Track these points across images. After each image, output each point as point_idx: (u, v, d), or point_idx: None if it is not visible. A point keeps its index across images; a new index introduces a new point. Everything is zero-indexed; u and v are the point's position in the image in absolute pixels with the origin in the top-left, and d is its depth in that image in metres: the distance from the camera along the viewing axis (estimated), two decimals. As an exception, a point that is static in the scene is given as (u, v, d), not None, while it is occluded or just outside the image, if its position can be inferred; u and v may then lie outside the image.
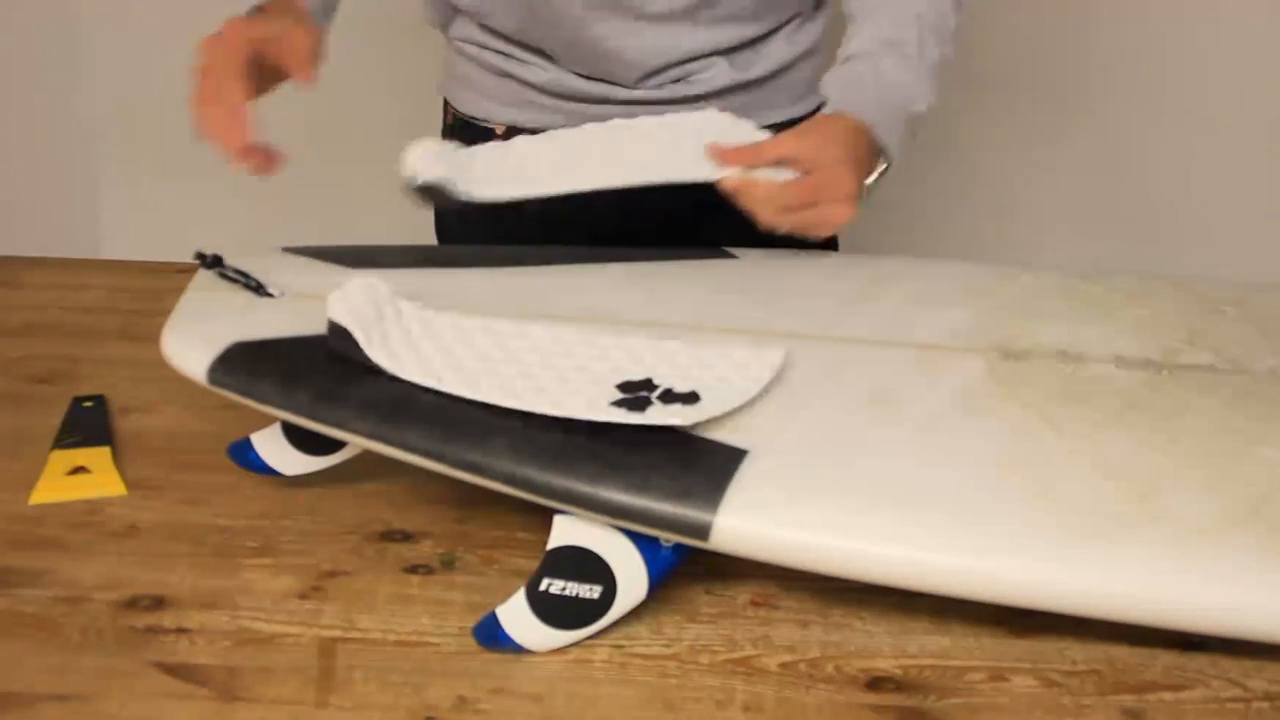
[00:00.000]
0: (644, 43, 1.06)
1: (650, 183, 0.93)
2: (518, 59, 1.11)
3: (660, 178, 0.93)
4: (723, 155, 0.94)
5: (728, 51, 1.10)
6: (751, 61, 1.11)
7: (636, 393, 0.79)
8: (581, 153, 0.97)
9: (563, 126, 1.13)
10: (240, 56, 0.89)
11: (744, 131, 0.97)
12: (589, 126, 0.99)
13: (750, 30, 1.09)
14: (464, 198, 0.91)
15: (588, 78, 1.10)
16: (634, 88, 1.09)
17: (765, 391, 0.80)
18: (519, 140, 0.98)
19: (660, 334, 0.86)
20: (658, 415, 0.76)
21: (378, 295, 0.85)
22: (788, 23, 1.12)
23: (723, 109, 1.09)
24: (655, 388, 0.79)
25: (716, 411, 0.77)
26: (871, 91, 0.98)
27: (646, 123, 1.00)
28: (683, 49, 1.08)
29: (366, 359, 0.80)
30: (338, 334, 0.81)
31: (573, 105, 1.11)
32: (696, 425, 0.77)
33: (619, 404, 0.77)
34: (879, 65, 0.99)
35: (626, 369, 0.81)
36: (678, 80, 1.10)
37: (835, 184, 0.93)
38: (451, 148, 0.94)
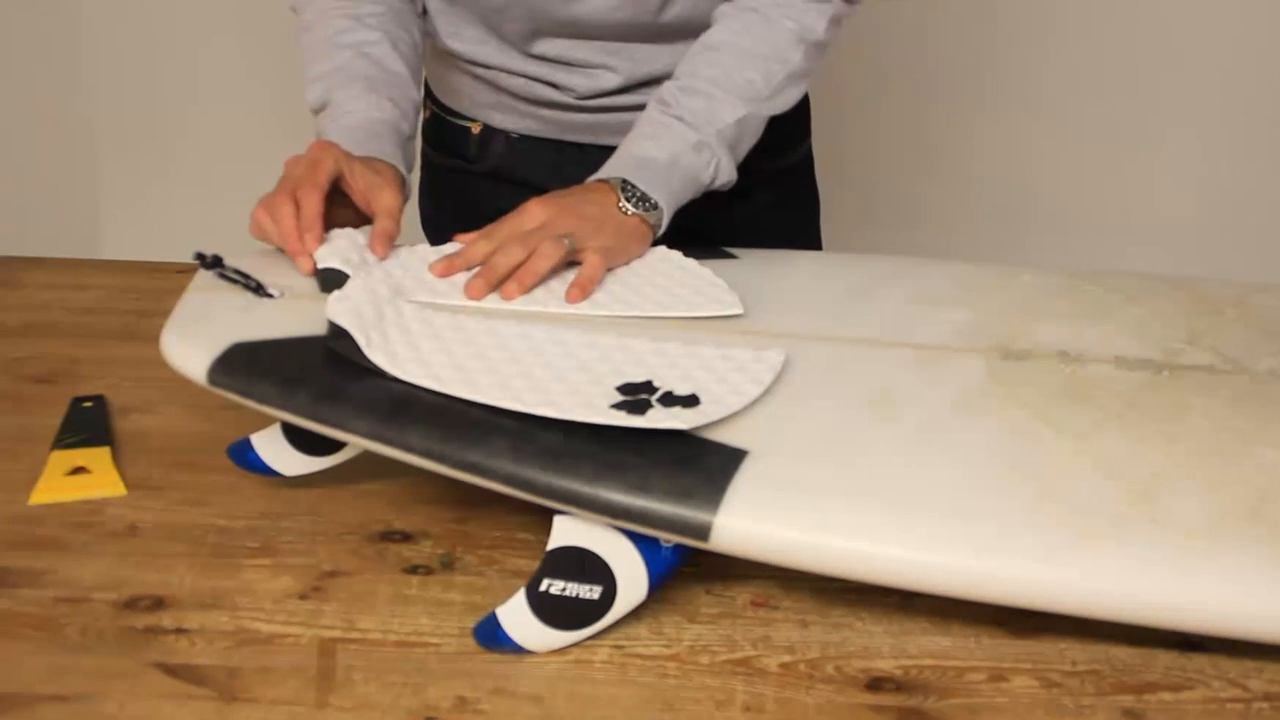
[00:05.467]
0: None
1: (585, 315, 0.89)
2: (491, 66, 1.11)
3: (602, 311, 0.89)
4: (440, 271, 0.91)
5: None
6: None
7: (636, 395, 0.79)
8: None
9: (538, 133, 1.13)
10: (325, 174, 0.92)
11: (690, 268, 0.95)
12: None
13: None
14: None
15: (552, 85, 1.10)
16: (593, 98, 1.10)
17: (766, 394, 0.80)
18: (449, 247, 0.95)
19: (661, 335, 0.86)
20: (657, 419, 0.76)
21: (378, 295, 0.84)
22: None
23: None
24: (655, 390, 0.79)
25: (716, 415, 0.77)
26: (622, 147, 1.01)
27: None
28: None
29: (366, 360, 0.80)
30: (337, 334, 0.81)
31: (548, 113, 1.11)
32: (696, 428, 0.77)
33: (618, 406, 0.77)
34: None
35: (627, 371, 0.81)
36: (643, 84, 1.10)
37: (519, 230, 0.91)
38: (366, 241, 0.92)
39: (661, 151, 0.99)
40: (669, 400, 0.78)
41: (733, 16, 1.04)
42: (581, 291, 0.89)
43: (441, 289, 0.89)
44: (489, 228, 0.93)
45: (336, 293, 0.84)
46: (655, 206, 0.96)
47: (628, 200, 0.95)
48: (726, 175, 1.02)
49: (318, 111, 1.04)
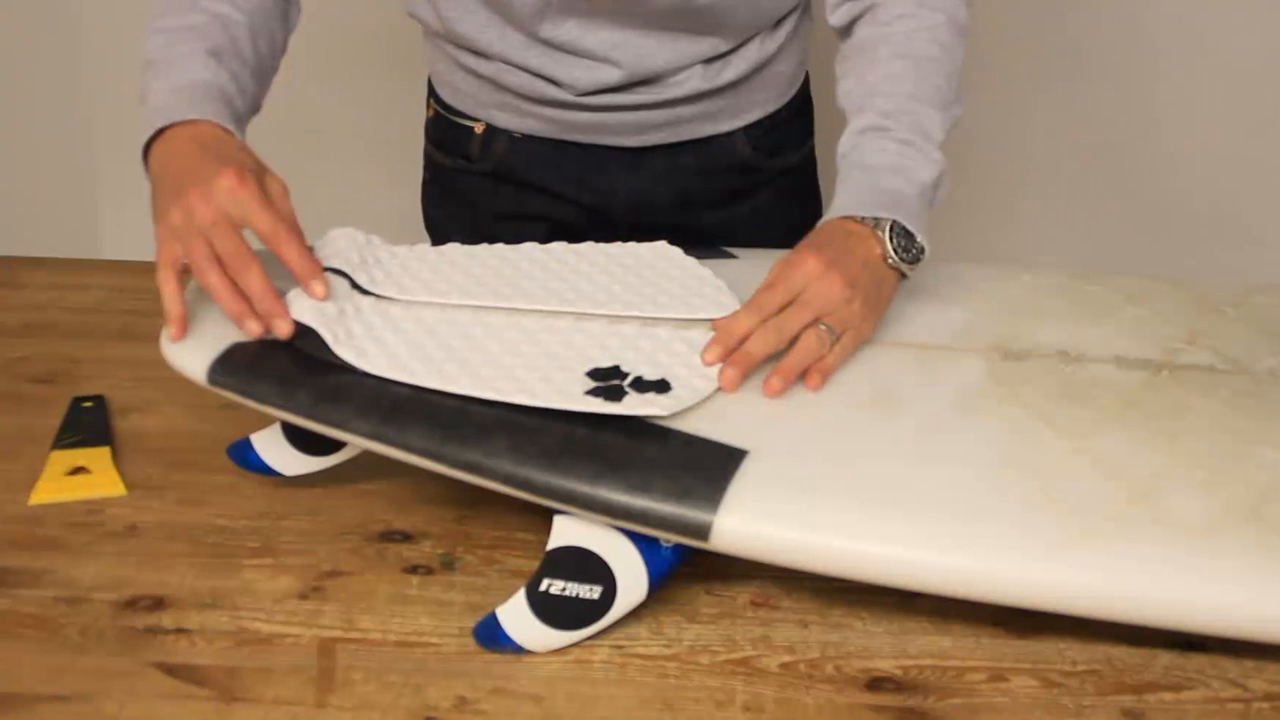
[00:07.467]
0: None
1: (589, 314, 0.87)
2: (493, 56, 1.10)
3: (605, 310, 0.87)
4: (712, 359, 0.83)
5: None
6: (722, 69, 1.10)
7: (609, 380, 0.79)
8: (516, 273, 0.91)
9: (540, 131, 1.13)
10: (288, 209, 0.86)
11: (690, 268, 0.94)
12: (527, 247, 0.95)
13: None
14: (366, 289, 0.87)
15: (553, 82, 1.09)
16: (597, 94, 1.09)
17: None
18: (450, 247, 0.94)
19: (616, 318, 0.86)
20: (635, 405, 0.76)
21: (335, 290, 0.84)
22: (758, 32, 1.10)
23: (697, 114, 1.09)
24: (625, 375, 0.79)
25: (690, 400, 0.78)
26: (860, 179, 0.91)
27: (592, 251, 0.95)
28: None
29: (333, 356, 0.80)
30: (301, 331, 0.81)
31: (551, 111, 1.11)
32: (674, 415, 0.77)
33: (593, 393, 0.77)
34: (863, 152, 0.92)
35: (593, 355, 0.81)
36: (651, 82, 1.09)
37: (823, 301, 0.83)
38: (369, 240, 0.91)
39: (910, 185, 0.89)
40: (641, 385, 0.78)
41: (887, 25, 0.97)
42: (821, 380, 0.82)
43: (440, 289, 0.89)
44: (765, 289, 0.85)
45: (296, 289, 0.83)
46: (919, 256, 0.88)
47: (897, 251, 0.87)
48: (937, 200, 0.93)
49: (146, 67, 0.93)
